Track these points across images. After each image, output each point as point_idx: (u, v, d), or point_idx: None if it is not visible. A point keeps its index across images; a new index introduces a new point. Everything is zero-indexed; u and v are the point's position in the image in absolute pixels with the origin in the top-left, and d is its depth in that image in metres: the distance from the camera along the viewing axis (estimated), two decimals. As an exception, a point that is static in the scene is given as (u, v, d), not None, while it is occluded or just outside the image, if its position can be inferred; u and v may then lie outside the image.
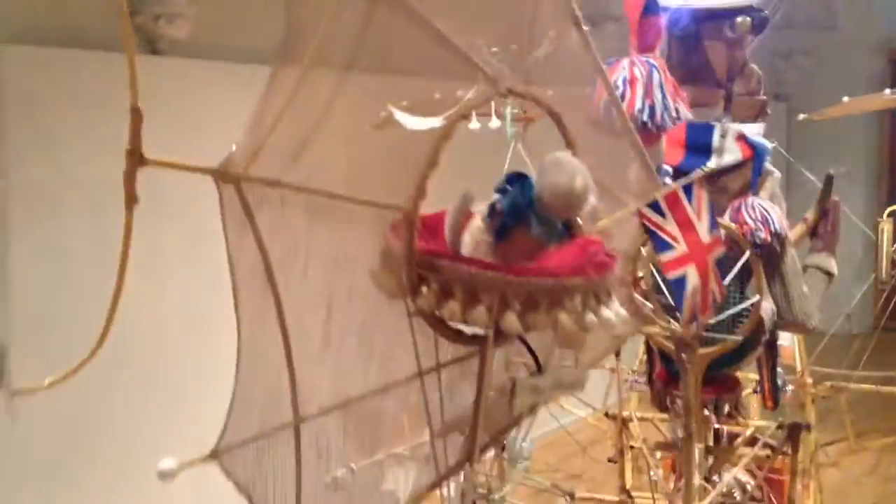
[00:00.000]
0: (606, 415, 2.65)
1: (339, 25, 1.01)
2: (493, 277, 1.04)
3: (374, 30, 1.02)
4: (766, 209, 1.80)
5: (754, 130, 1.91)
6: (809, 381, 2.56)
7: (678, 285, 1.61)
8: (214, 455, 1.18)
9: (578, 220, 1.16)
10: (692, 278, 1.59)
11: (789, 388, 2.41)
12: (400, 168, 1.08)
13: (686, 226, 1.55)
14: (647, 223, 1.55)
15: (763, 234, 1.76)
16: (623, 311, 1.14)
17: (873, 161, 6.37)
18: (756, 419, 2.51)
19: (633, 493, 2.43)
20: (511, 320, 1.05)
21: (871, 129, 6.18)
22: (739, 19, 1.83)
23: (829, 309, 2.74)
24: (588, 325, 1.09)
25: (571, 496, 2.09)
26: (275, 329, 1.09)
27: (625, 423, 2.50)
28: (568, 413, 3.07)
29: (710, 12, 1.85)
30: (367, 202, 1.07)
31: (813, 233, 2.06)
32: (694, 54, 1.87)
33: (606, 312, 1.10)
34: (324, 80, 1.03)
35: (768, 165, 1.89)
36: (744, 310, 1.76)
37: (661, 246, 1.58)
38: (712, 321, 1.71)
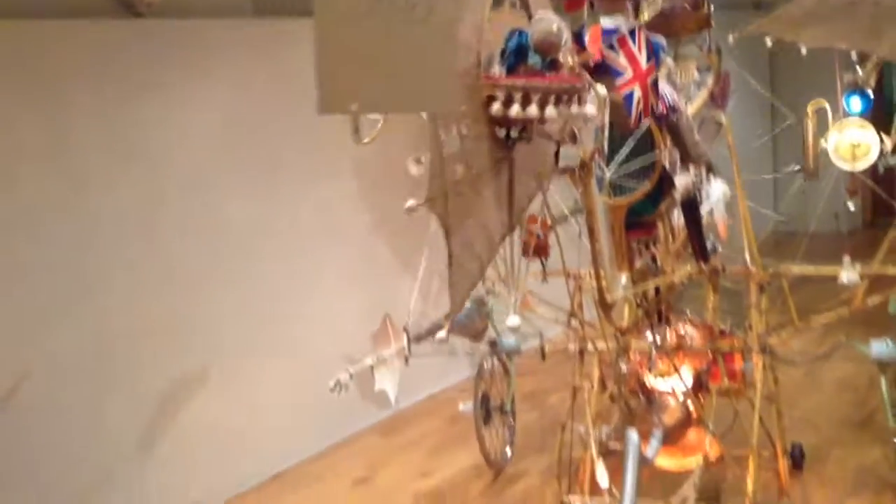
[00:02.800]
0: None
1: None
2: (537, 84, 1.57)
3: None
4: (664, 89, 2.38)
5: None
6: (754, 268, 2.86)
7: (628, 99, 2.19)
8: None
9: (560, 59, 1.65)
10: (637, 93, 2.20)
11: (719, 248, 2.84)
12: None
13: (631, 58, 2.17)
14: (605, 59, 2.14)
15: (660, 108, 2.32)
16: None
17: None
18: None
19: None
20: (551, 110, 1.60)
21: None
22: None
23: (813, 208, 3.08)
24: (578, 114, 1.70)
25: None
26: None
27: None
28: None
29: None
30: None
31: (712, 95, 2.86)
32: None
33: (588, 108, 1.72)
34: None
35: (663, 55, 2.41)
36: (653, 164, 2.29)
37: (615, 73, 2.16)
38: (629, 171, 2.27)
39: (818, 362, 3.18)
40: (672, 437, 2.34)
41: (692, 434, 2.44)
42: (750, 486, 2.42)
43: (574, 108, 1.68)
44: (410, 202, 1.66)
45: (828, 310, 2.95)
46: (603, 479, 2.21)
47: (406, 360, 2.87)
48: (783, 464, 2.93)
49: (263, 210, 3.50)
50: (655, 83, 2.30)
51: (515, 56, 1.63)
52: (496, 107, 1.58)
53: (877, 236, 2.99)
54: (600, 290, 2.16)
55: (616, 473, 2.57)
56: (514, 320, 1.82)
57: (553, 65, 1.65)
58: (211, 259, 3.33)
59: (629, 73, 2.19)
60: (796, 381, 3.09)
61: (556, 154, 1.88)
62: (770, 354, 2.83)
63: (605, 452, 2.99)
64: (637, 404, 2.47)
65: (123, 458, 3.06)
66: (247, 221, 3.45)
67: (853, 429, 3.43)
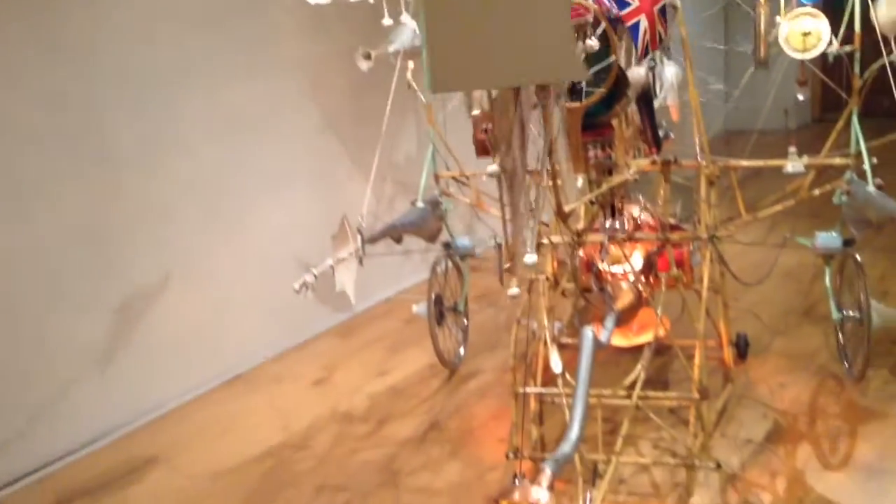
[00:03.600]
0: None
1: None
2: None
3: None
4: None
5: None
6: (703, 162, 2.89)
7: (634, 29, 2.21)
8: None
9: None
10: (643, 23, 2.21)
11: (671, 134, 2.85)
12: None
13: None
14: None
15: (616, 11, 2.25)
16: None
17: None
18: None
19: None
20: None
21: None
22: None
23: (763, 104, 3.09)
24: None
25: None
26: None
27: None
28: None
29: None
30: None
31: None
32: None
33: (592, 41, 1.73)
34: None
35: None
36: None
37: (621, 5, 2.18)
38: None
39: (763, 254, 3.25)
40: (624, 319, 2.39)
41: (643, 314, 2.50)
42: (696, 374, 2.50)
43: (579, 45, 1.63)
44: (492, 167, 1.67)
45: (774, 202, 3.01)
46: (557, 365, 2.27)
47: (360, 261, 2.88)
48: (728, 352, 3.03)
49: (213, 111, 3.42)
50: (663, 10, 2.28)
51: None
52: None
53: (824, 131, 3.03)
54: (558, 201, 2.16)
55: (569, 366, 2.64)
56: (531, 258, 1.82)
57: None
58: (163, 163, 3.27)
59: (636, 3, 2.17)
60: (742, 274, 3.16)
61: None
62: (716, 246, 2.89)
63: (559, 346, 3.07)
64: (591, 296, 2.51)
65: (83, 366, 3.06)
66: (197, 123, 3.37)
67: (796, 319, 3.55)
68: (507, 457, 2.62)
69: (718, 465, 2.54)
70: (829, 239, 2.96)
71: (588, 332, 2.05)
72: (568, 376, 2.41)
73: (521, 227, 1.74)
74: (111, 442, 3.11)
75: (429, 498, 2.64)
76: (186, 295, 3.36)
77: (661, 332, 2.50)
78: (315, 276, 2.69)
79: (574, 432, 1.59)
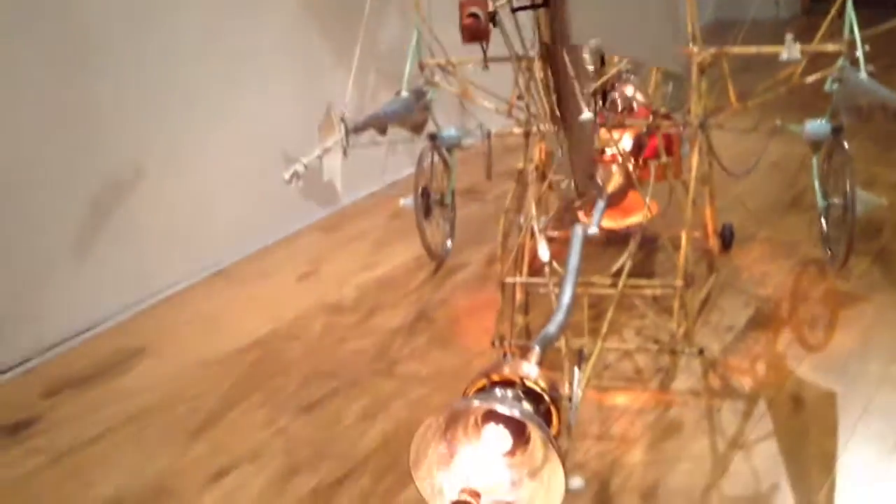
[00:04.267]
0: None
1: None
2: None
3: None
4: None
5: None
6: (695, 48, 2.84)
7: None
8: None
9: None
10: None
11: None
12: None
13: None
14: None
15: None
16: None
17: None
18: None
19: None
20: None
21: None
22: None
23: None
24: None
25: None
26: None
27: None
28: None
29: None
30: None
31: None
32: None
33: None
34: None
35: None
36: None
37: None
38: None
39: (751, 146, 3.23)
40: (613, 202, 2.39)
41: (632, 197, 2.50)
42: (681, 262, 2.51)
43: None
44: (586, 114, 1.72)
45: (766, 90, 2.97)
46: (544, 254, 2.27)
47: (345, 151, 2.84)
48: (714, 243, 3.05)
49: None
50: None
51: None
52: None
53: (812, 22, 2.98)
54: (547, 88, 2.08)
55: (556, 258, 2.65)
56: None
57: None
58: (141, 46, 3.17)
59: None
60: (729, 166, 3.15)
61: None
62: (707, 135, 2.87)
63: (546, 239, 3.08)
64: (581, 183, 2.48)
65: (56, 259, 3.03)
66: (178, 7, 3.26)
67: (782, 209, 3.56)
68: (492, 344, 2.66)
69: (701, 351, 2.59)
70: (818, 126, 2.94)
71: (578, 229, 2.03)
72: (555, 265, 2.41)
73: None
74: (96, 334, 3.12)
75: (416, 384, 2.68)
76: (166, 185, 3.31)
77: (650, 214, 2.49)
78: (305, 165, 2.66)
79: (561, 314, 1.60)
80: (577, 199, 2.36)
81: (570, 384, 1.41)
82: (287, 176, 2.63)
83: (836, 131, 2.92)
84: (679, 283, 2.51)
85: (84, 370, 2.91)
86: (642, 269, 3.12)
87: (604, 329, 2.38)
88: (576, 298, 1.82)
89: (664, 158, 2.64)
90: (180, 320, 3.19)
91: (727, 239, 3.23)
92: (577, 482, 1.26)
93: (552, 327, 1.56)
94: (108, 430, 2.58)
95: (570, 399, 1.28)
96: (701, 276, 2.97)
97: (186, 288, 3.41)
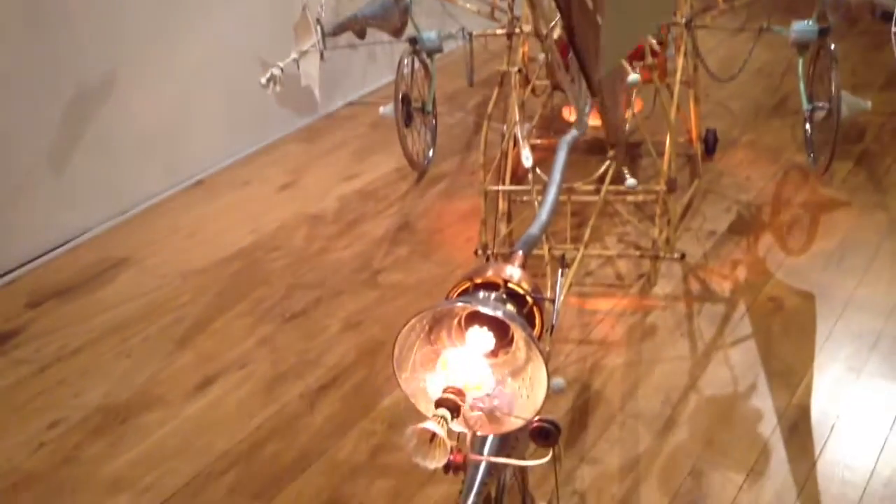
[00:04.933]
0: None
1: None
2: None
3: None
4: None
5: None
6: (682, -55, 2.77)
7: None
8: None
9: None
10: None
11: None
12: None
13: None
14: None
15: None
16: None
17: None
18: None
19: None
20: None
21: None
22: None
23: None
24: None
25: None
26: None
27: None
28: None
29: None
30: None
31: None
32: None
33: None
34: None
35: None
36: None
37: None
38: None
39: (736, 50, 3.18)
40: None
41: None
42: (665, 167, 2.50)
43: None
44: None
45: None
46: (527, 159, 2.24)
47: (321, 55, 2.78)
48: (698, 148, 3.03)
49: None
50: None
51: None
52: None
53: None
54: None
55: (539, 166, 2.62)
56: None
57: None
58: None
59: None
60: (714, 69, 3.11)
61: None
62: (693, 35, 2.82)
63: (530, 146, 3.05)
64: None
65: (35, 171, 2.98)
66: None
67: (766, 114, 3.54)
68: (475, 253, 2.66)
69: (683, 256, 2.60)
70: (804, 27, 2.89)
71: (567, 135, 2.00)
72: (539, 172, 2.39)
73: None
74: (77, 245, 3.10)
75: (400, 293, 2.69)
76: (140, 94, 3.24)
77: (635, 111, 2.46)
78: (282, 69, 2.59)
79: (544, 213, 1.58)
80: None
81: (553, 287, 1.41)
82: (264, 80, 2.57)
83: (823, 33, 2.88)
84: (662, 188, 2.50)
85: (67, 281, 2.90)
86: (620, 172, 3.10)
87: (586, 235, 2.38)
88: (559, 205, 1.82)
89: (649, 60, 2.59)
90: (162, 231, 3.16)
91: (711, 144, 3.21)
92: (558, 383, 1.27)
93: (535, 228, 1.55)
94: (94, 340, 2.59)
95: (552, 301, 1.28)
96: (684, 181, 2.97)
97: (167, 199, 3.37)
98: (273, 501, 1.99)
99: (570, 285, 2.52)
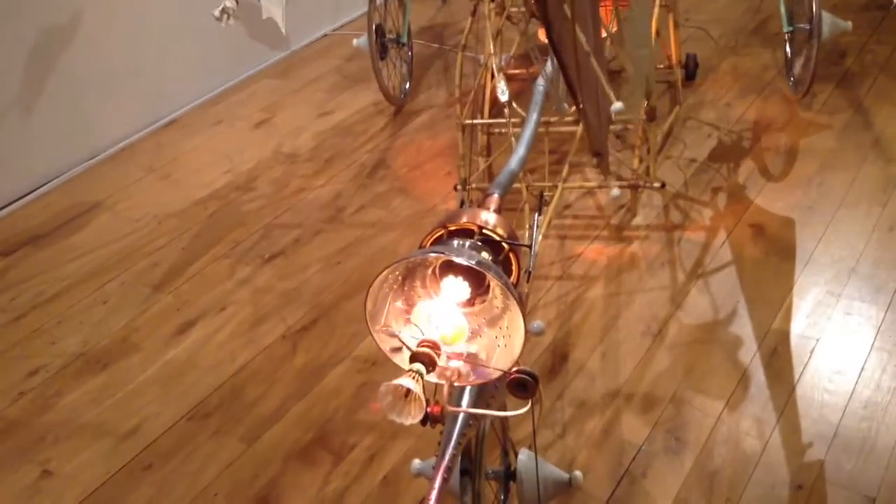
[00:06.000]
0: None
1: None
2: None
3: None
4: None
5: None
6: None
7: None
8: None
9: None
10: None
11: None
12: None
13: None
14: None
15: None
16: None
17: None
18: None
19: None
20: None
21: None
22: None
23: None
24: None
25: None
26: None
27: None
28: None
29: None
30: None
31: None
32: None
33: None
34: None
35: None
36: None
37: None
38: None
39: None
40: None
41: None
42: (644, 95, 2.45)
43: None
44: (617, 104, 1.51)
45: None
46: (503, 93, 2.20)
47: (288, -16, 2.68)
48: (678, 74, 2.98)
49: None
50: None
51: None
52: None
53: None
54: None
55: (517, 99, 2.57)
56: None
57: None
58: None
59: None
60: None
61: None
62: None
63: (506, 77, 2.99)
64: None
65: (3, 113, 2.90)
66: None
67: (746, 37, 3.48)
68: (455, 189, 2.63)
69: (663, 185, 2.58)
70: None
71: (540, 82, 1.95)
72: (515, 106, 2.34)
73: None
74: (48, 191, 3.04)
75: (380, 231, 2.66)
76: (104, 33, 3.14)
77: (613, 29, 2.39)
78: (236, 0, 2.49)
79: (520, 151, 1.55)
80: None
81: (531, 229, 1.38)
82: (216, 12, 2.47)
83: (804, -48, 2.81)
84: (641, 117, 2.46)
85: (41, 227, 2.85)
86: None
87: (565, 171, 2.35)
88: (536, 138, 1.78)
89: None
90: (134, 174, 3.10)
91: (691, 69, 3.16)
92: (537, 325, 1.25)
93: (511, 166, 1.52)
94: (69, 286, 2.56)
95: (529, 246, 1.25)
96: (664, 108, 2.92)
97: (138, 140, 3.31)
98: (257, 443, 1.99)
99: (550, 221, 2.50)
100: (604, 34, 1.92)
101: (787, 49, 3.01)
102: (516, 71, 3.03)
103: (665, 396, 1.99)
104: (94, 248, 2.72)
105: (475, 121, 2.56)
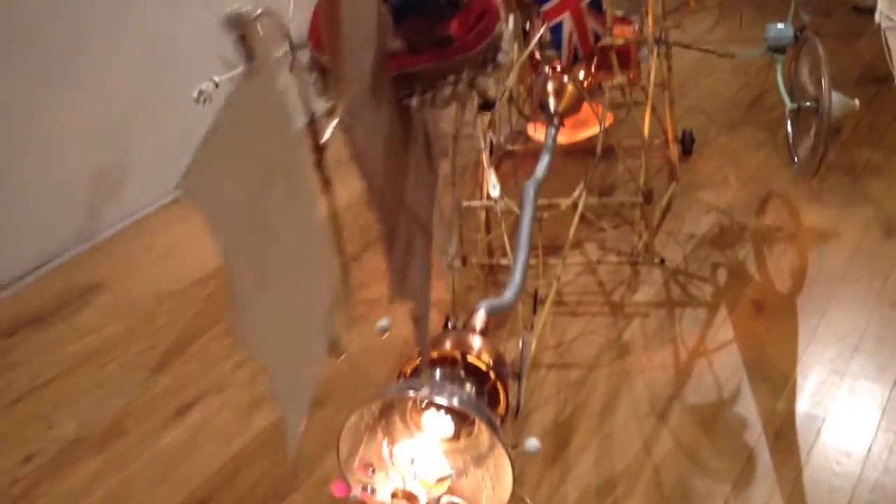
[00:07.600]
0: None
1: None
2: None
3: None
4: None
5: None
6: (650, -52, 2.73)
7: (556, 30, 1.97)
8: None
9: None
10: (567, 24, 1.96)
11: None
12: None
13: None
14: None
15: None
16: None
17: None
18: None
19: None
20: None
21: None
22: None
23: None
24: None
25: None
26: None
27: None
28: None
29: None
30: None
31: None
32: None
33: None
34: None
35: None
36: None
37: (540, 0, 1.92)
38: None
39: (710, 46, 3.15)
40: (567, 115, 2.31)
41: (585, 109, 2.41)
42: (641, 179, 2.48)
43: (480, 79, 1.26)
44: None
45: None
46: (494, 188, 2.20)
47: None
48: (674, 150, 3.01)
49: None
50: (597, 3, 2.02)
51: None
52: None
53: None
54: None
55: (511, 176, 2.58)
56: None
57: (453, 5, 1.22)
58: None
59: None
60: (688, 70, 3.09)
61: None
62: (665, 43, 2.78)
63: (503, 154, 3.01)
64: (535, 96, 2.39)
65: (2, 191, 2.92)
66: None
67: (742, 112, 3.51)
68: (458, 264, 2.62)
69: (662, 261, 2.58)
70: (780, 31, 2.84)
71: (529, 191, 1.96)
72: (506, 198, 2.34)
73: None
74: (48, 272, 3.04)
75: (381, 310, 2.65)
76: (108, 114, 3.18)
77: (606, 124, 2.42)
78: (216, 83, 2.49)
79: (516, 278, 1.52)
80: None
81: (522, 348, 1.33)
82: (195, 94, 2.47)
83: (800, 33, 2.83)
84: (639, 199, 2.48)
85: (39, 309, 2.84)
86: (602, 182, 3.08)
87: (559, 269, 2.33)
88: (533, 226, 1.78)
89: (619, 78, 2.51)
90: (135, 252, 3.11)
91: (687, 145, 3.19)
92: (532, 445, 1.17)
93: (509, 294, 1.48)
94: (67, 369, 2.54)
95: (517, 376, 1.20)
96: (661, 186, 2.94)
97: (141, 218, 3.32)
98: (253, 532, 1.95)
99: (545, 323, 2.47)
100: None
101: (789, 128, 3.01)
102: (513, 147, 3.06)
103: (669, 481, 1.95)
104: (94, 330, 2.70)
105: (472, 203, 2.56)
